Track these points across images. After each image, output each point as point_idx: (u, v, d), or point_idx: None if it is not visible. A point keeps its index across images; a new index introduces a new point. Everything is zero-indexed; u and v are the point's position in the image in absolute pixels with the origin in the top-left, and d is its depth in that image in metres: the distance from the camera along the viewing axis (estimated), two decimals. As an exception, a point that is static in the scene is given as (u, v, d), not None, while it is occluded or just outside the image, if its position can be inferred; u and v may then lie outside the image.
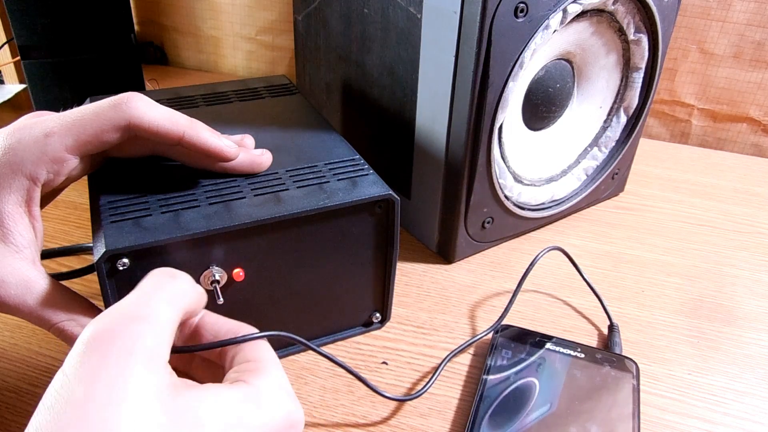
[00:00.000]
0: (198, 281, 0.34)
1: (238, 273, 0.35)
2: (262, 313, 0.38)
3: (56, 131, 0.31)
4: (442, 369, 0.40)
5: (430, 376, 0.39)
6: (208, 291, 0.34)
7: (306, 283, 0.38)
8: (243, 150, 0.37)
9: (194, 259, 0.33)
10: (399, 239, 0.39)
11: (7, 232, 0.30)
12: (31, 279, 0.30)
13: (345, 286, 0.40)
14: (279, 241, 0.35)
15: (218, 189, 0.36)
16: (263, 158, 0.38)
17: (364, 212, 0.37)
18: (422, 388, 0.38)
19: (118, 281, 0.31)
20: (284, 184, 0.37)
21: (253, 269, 0.36)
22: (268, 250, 0.35)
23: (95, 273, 0.35)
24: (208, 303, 0.35)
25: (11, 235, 0.30)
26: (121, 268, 0.31)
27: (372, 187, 0.37)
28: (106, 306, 0.32)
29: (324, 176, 0.38)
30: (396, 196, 0.37)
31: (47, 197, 0.34)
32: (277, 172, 0.38)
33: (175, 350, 0.31)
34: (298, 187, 0.37)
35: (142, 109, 0.32)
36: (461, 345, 0.41)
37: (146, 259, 0.32)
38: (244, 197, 0.35)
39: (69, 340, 0.31)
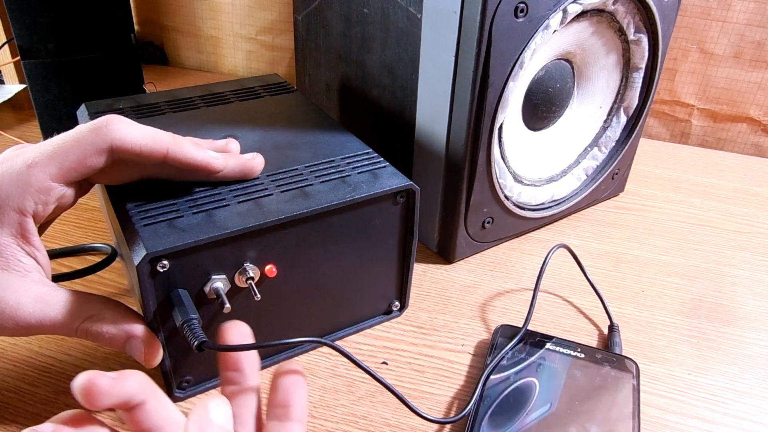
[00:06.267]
0: (233, 280, 0.34)
1: (271, 269, 0.35)
2: (292, 308, 0.38)
3: (38, 161, 0.30)
4: (482, 386, 0.37)
5: (469, 397, 0.36)
6: (243, 289, 0.35)
7: (333, 275, 0.39)
8: (232, 156, 0.36)
9: (229, 257, 0.33)
10: (418, 227, 0.40)
11: (7, 260, 0.30)
12: (44, 293, 0.31)
13: (369, 275, 0.41)
14: (307, 235, 0.36)
15: (243, 187, 0.36)
16: (255, 162, 0.37)
17: (386, 202, 0.38)
18: (464, 410, 0.35)
19: (157, 283, 0.32)
20: (307, 179, 0.38)
21: (285, 264, 0.36)
22: (297, 244, 0.36)
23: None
24: (243, 301, 0.35)
25: (13, 263, 0.30)
26: (161, 270, 0.31)
27: (392, 178, 0.38)
28: (145, 310, 0.32)
29: (344, 170, 0.39)
30: (416, 186, 0.38)
31: (40, 228, 0.33)
32: (296, 168, 0.39)
33: (216, 348, 0.29)
34: (321, 182, 0.37)
35: (123, 130, 0.31)
36: (495, 357, 0.39)
37: (183, 259, 0.32)
38: (272, 194, 0.36)
39: (94, 337, 0.31)
